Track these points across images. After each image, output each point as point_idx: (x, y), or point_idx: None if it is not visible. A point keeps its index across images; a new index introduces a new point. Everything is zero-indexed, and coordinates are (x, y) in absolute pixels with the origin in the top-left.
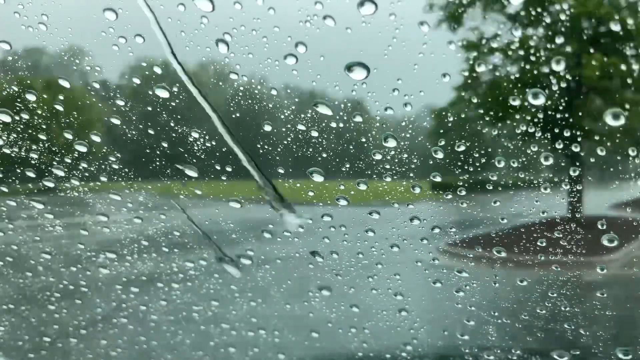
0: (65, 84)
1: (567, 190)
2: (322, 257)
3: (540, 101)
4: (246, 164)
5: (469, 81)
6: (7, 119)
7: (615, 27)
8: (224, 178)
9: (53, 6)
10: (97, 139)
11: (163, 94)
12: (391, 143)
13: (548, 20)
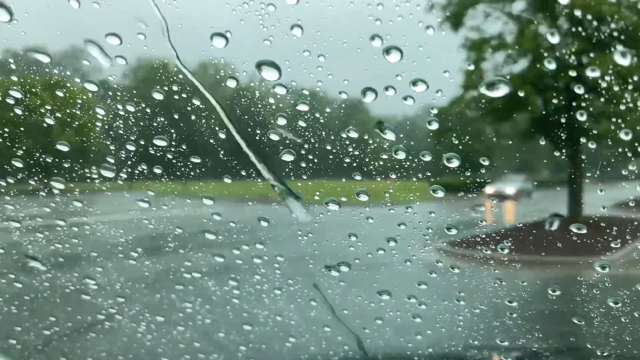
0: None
1: (567, 189)
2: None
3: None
4: (254, 161)
5: (470, 81)
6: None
7: (617, 26)
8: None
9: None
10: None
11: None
12: (401, 156)
13: (550, 19)
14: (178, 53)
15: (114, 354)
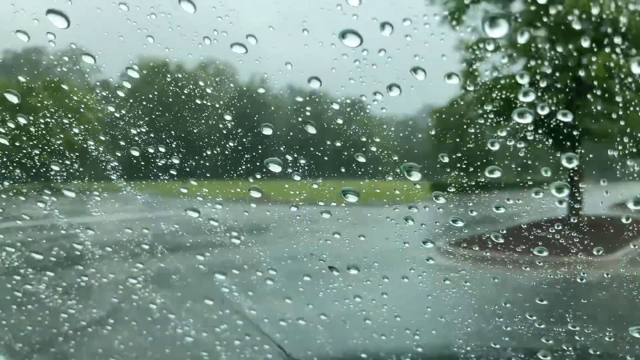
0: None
1: (567, 190)
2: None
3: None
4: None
5: (470, 81)
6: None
7: (617, 27)
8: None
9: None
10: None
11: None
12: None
13: (550, 19)
14: (177, 54)
15: (115, 354)
